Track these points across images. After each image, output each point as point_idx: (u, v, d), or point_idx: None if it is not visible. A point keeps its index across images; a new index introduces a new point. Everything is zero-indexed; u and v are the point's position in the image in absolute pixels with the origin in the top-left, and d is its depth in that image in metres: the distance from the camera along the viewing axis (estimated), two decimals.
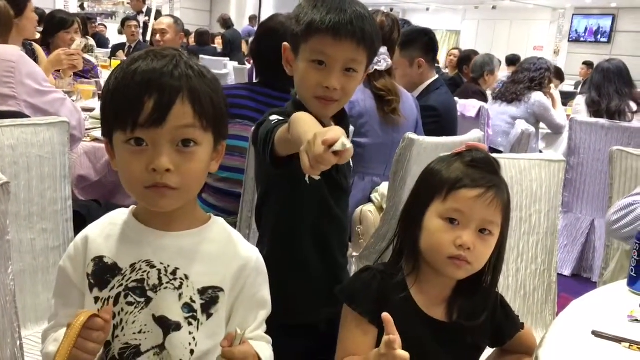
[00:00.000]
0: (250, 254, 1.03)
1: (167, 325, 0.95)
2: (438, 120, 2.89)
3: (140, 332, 0.95)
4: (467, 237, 1.12)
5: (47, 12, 4.59)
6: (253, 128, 1.33)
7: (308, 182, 0.97)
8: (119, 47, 6.42)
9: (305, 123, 1.00)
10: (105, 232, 1.00)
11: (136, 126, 0.89)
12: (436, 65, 6.05)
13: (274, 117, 1.22)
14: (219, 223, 1.04)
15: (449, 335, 1.18)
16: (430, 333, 1.18)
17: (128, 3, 10.07)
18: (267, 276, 1.06)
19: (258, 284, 1.03)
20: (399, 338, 1.02)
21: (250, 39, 9.74)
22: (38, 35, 3.91)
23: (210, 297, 0.97)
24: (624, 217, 1.66)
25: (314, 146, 0.88)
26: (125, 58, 5.67)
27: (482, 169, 1.16)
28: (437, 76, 3.10)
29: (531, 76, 4.30)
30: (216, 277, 0.98)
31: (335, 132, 0.89)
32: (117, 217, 1.02)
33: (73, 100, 2.98)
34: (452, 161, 1.19)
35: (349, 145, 0.88)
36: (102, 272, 0.97)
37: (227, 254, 1.00)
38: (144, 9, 8.57)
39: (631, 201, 1.66)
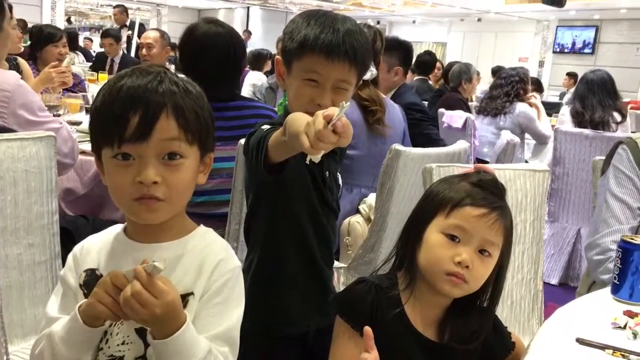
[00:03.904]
0: (229, 262, 1.00)
1: (144, 336, 0.95)
2: (422, 110, 3.11)
3: (123, 343, 0.97)
4: (467, 255, 1.11)
5: (31, 25, 4.59)
6: (244, 139, 1.34)
7: (308, 163, 0.98)
8: (102, 57, 6.42)
9: (302, 118, 1.01)
10: (98, 246, 1.03)
11: (122, 141, 0.91)
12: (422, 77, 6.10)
13: (265, 126, 1.24)
14: (201, 232, 1.04)
15: (439, 355, 1.18)
16: (421, 352, 1.17)
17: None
18: (242, 299, 1.01)
19: (226, 296, 0.98)
20: (374, 355, 1.02)
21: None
22: (22, 49, 3.90)
23: (183, 304, 0.95)
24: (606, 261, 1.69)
25: (313, 124, 0.91)
26: (104, 69, 5.69)
27: (488, 190, 1.17)
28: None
29: (505, 90, 4.37)
30: (189, 284, 0.97)
31: (333, 109, 0.92)
32: (111, 232, 1.04)
33: (60, 114, 2.97)
34: (457, 181, 1.19)
35: (347, 104, 0.90)
36: (94, 284, 0.97)
37: (202, 258, 0.99)
38: (127, 23, 8.58)
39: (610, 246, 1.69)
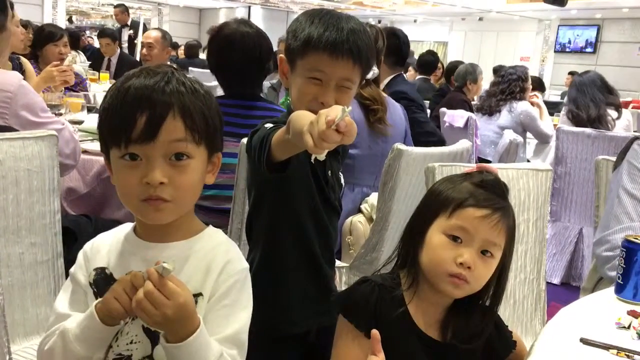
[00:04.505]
0: (237, 264, 1.01)
1: (154, 336, 0.96)
2: (408, 98, 3.05)
3: (131, 342, 0.97)
4: (469, 256, 1.11)
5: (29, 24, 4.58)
6: (247, 138, 1.34)
7: (313, 162, 0.98)
8: (100, 55, 6.44)
9: (306, 115, 1.01)
10: (108, 244, 1.03)
11: (129, 142, 0.91)
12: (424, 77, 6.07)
13: (268, 125, 1.24)
14: (210, 233, 1.04)
15: (442, 354, 1.18)
16: (424, 351, 1.17)
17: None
18: (250, 301, 1.01)
19: (234, 298, 0.98)
20: (381, 358, 1.03)
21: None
22: (28, 50, 3.90)
23: None
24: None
25: (317, 124, 0.90)
26: (101, 67, 5.70)
27: (490, 190, 1.16)
28: (398, 73, 3.25)
29: (500, 88, 4.37)
30: (198, 284, 0.97)
31: (336, 109, 0.91)
32: (121, 231, 1.05)
33: (61, 114, 2.97)
34: (460, 181, 1.18)
35: (348, 109, 0.90)
36: (103, 282, 0.99)
37: (209, 259, 0.99)
38: (129, 22, 8.58)
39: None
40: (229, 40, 2.16)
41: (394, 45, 3.14)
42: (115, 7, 8.83)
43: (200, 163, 0.97)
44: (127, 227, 1.05)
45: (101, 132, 0.97)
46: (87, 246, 1.04)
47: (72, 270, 1.04)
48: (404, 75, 3.47)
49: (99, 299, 0.93)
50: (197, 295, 0.96)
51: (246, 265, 1.02)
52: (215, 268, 0.98)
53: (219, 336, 0.95)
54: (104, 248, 1.03)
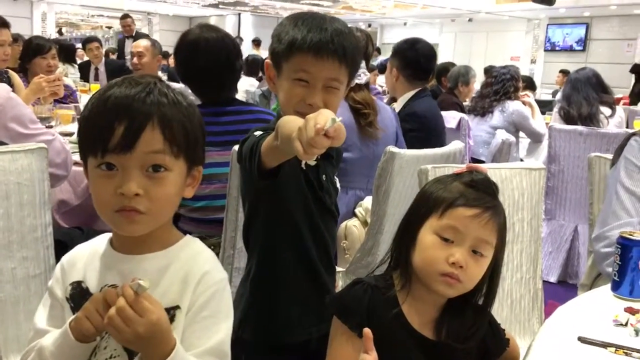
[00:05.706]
0: (214, 275, 0.98)
1: (131, 350, 0.94)
2: (422, 123, 2.96)
3: (110, 357, 0.96)
4: (460, 255, 1.12)
5: (20, 37, 4.55)
6: (237, 146, 1.33)
7: (304, 167, 0.97)
8: (86, 66, 6.44)
9: (294, 121, 1.00)
10: (85, 257, 1.02)
11: (106, 151, 0.90)
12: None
13: (258, 133, 1.23)
14: (186, 243, 1.02)
15: (437, 353, 1.18)
16: (419, 350, 1.17)
17: (108, 27, 10.01)
18: (230, 311, 1.00)
19: (213, 309, 0.96)
20: (373, 356, 1.02)
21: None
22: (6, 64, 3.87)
23: (170, 317, 0.94)
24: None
25: (305, 130, 0.90)
26: (93, 80, 5.71)
27: (480, 190, 1.17)
28: (421, 88, 3.12)
29: (494, 89, 4.36)
30: (175, 295, 0.95)
31: (324, 114, 0.90)
32: (97, 243, 1.03)
33: (51, 126, 2.96)
34: (450, 181, 1.19)
35: (338, 119, 0.89)
36: (79, 297, 0.98)
37: (186, 270, 0.97)
38: (134, 33, 8.56)
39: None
40: (192, 47, 2.10)
41: (406, 61, 3.04)
42: (122, 17, 8.70)
43: (178, 176, 0.95)
44: (104, 238, 1.03)
45: (79, 140, 0.96)
46: (64, 259, 1.03)
47: (49, 284, 1.02)
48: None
49: (74, 316, 0.92)
50: (175, 308, 0.94)
51: (224, 275, 1.01)
52: (193, 279, 0.96)
53: (201, 349, 0.93)
54: (80, 261, 1.01)
